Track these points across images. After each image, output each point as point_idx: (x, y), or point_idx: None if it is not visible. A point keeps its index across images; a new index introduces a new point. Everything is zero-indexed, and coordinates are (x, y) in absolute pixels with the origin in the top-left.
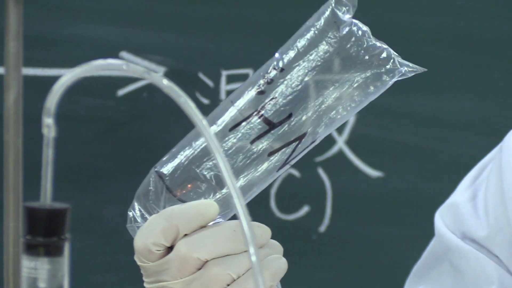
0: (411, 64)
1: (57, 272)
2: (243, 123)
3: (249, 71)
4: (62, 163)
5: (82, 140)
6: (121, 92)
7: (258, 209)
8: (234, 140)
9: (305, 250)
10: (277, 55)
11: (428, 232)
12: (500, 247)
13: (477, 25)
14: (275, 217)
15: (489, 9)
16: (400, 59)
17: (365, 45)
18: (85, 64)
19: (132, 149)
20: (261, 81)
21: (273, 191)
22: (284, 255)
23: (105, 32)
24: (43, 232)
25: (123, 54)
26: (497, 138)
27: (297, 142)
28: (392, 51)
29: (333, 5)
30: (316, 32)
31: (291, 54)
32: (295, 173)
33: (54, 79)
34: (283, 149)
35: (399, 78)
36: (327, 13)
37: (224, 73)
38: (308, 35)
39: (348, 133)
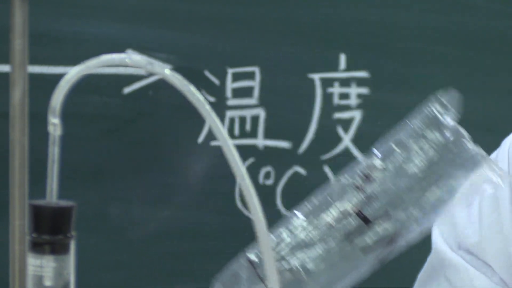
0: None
1: (63, 270)
2: (339, 218)
3: (254, 69)
4: (67, 161)
5: (87, 138)
6: (127, 90)
7: (264, 207)
8: (329, 235)
9: None
10: (375, 151)
11: None
12: (492, 255)
13: (485, 24)
14: (281, 215)
15: (497, 7)
16: (485, 156)
17: (462, 150)
18: (88, 61)
19: (137, 147)
20: (358, 178)
21: (279, 189)
22: None
23: (110, 30)
24: (49, 230)
25: (129, 52)
26: (504, 137)
27: (391, 241)
28: (483, 153)
29: (436, 109)
30: (417, 133)
31: (389, 152)
32: (301, 171)
33: (59, 77)
34: (377, 248)
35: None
36: (430, 115)
37: (230, 71)
38: (408, 135)
39: (354, 132)
